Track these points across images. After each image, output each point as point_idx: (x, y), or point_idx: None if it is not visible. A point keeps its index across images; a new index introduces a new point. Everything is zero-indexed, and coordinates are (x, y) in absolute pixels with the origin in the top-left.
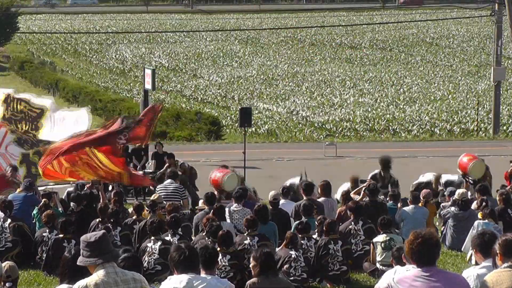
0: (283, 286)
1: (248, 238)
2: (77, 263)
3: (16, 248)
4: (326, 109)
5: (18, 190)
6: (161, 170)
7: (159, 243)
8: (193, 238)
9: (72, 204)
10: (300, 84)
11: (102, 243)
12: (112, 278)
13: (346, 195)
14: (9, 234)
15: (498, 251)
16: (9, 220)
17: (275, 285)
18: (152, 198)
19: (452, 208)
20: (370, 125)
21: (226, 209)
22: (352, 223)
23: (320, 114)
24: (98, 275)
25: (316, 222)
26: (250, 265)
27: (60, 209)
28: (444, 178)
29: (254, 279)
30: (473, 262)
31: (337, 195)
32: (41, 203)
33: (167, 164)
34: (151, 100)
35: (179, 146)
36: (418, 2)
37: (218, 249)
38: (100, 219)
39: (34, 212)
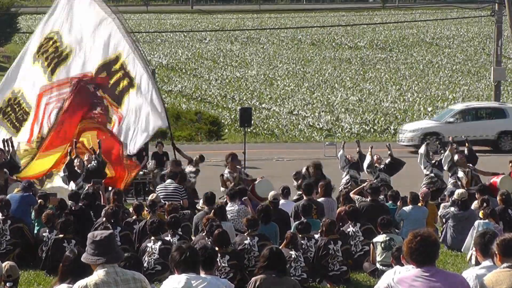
0: (289, 284)
1: (248, 238)
2: (81, 259)
3: (16, 249)
4: (326, 109)
5: (16, 190)
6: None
7: (159, 243)
8: (193, 238)
9: (70, 202)
10: (300, 84)
11: (107, 242)
12: (112, 278)
13: (346, 195)
14: (9, 237)
15: (496, 252)
16: (9, 222)
17: (280, 283)
18: (150, 197)
19: (452, 209)
20: (370, 125)
21: None
22: (351, 226)
23: (320, 114)
24: (98, 275)
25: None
26: (259, 263)
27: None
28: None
29: (259, 276)
30: (473, 262)
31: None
32: (36, 204)
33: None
34: None
35: (179, 146)
36: None
37: (217, 249)
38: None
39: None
